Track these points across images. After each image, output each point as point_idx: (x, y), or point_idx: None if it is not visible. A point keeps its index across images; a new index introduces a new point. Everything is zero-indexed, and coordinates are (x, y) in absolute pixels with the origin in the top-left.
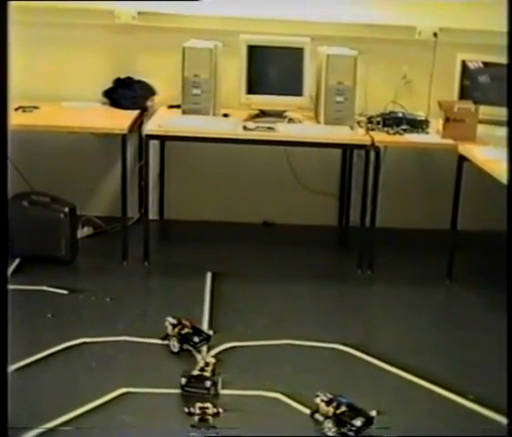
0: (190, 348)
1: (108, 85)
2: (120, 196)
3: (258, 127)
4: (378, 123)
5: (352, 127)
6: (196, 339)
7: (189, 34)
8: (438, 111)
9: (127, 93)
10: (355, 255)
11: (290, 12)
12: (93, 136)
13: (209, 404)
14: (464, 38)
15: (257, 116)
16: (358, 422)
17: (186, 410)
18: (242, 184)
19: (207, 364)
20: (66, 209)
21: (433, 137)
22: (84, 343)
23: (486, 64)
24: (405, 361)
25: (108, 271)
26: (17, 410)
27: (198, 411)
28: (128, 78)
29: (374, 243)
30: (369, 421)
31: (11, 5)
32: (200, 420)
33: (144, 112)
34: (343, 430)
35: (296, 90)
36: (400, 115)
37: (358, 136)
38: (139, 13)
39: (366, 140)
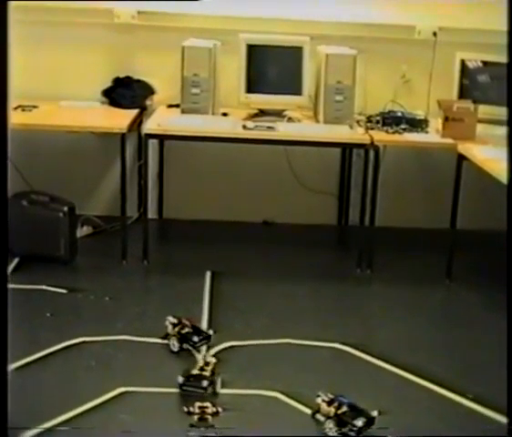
0: (190, 347)
1: (108, 84)
2: (119, 195)
3: (257, 127)
4: (377, 122)
5: (351, 127)
6: (196, 338)
7: (188, 33)
8: (437, 110)
9: (126, 92)
10: (355, 254)
11: (289, 11)
12: (92, 135)
13: (208, 403)
14: (463, 37)
15: (256, 115)
16: (359, 423)
17: (185, 409)
18: (242, 183)
19: (207, 364)
20: (66, 209)
21: (432, 136)
22: (83, 342)
23: (485, 63)
24: (405, 361)
25: (108, 270)
26: (17, 409)
27: (197, 411)
28: (128, 77)
29: (374, 242)
30: (370, 422)
31: (11, 5)
32: (200, 419)
33: (143, 111)
34: (345, 430)
35: (295, 89)
36: (399, 114)
37: (357, 135)
38: (139, 12)
39: (365, 139)
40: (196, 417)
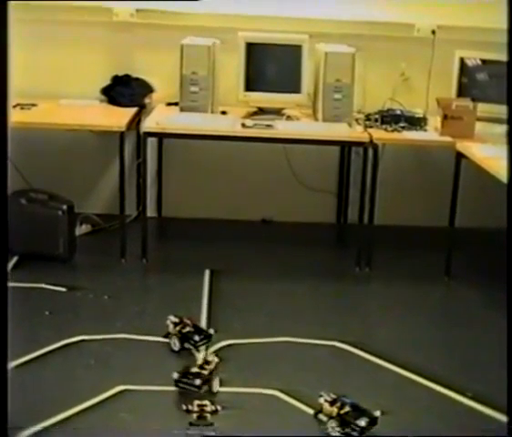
0: (191, 347)
1: (106, 82)
2: (118, 193)
3: (256, 125)
4: (376, 120)
5: (350, 125)
6: (197, 337)
7: (187, 31)
8: (436, 108)
9: (125, 90)
10: (353, 252)
11: (288, 9)
12: (91, 133)
13: (207, 402)
14: (462, 36)
15: (255, 113)
16: (362, 423)
17: (184, 407)
18: (240, 181)
19: (207, 362)
20: (64, 207)
21: (431, 134)
22: (82, 341)
23: (484, 61)
24: (404, 359)
25: (107, 269)
26: (16, 407)
27: (196, 409)
28: (126, 76)
29: (373, 240)
30: (373, 422)
31: (10, 4)
32: (199, 417)
33: (142, 109)
34: (347, 430)
35: (294, 87)
36: (398, 112)
37: (356, 133)
38: (137, 10)
39: (364, 137)
40: (195, 415)
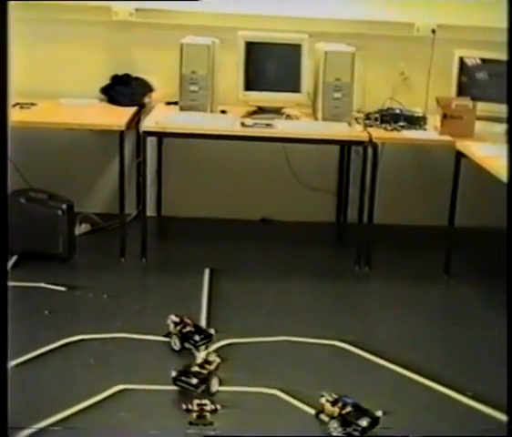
0: (191, 346)
1: (106, 81)
2: (118, 193)
3: (256, 124)
4: (376, 119)
5: (349, 124)
6: (197, 337)
7: (186, 30)
8: (436, 108)
9: (124, 90)
10: (353, 251)
11: (287, 9)
12: (90, 132)
13: (206, 401)
14: (462, 35)
15: (255, 112)
16: (364, 423)
17: (184, 407)
18: (240, 181)
19: (208, 362)
20: (64, 206)
21: (430, 133)
22: (82, 340)
23: (483, 60)
24: (403, 358)
25: (106, 268)
26: (15, 406)
27: (196, 408)
28: (126, 75)
29: (372, 240)
30: (375, 422)
31: (10, 4)
32: (198, 417)
33: (142, 109)
34: (349, 430)
35: (294, 87)
36: (398, 111)
37: (356, 132)
38: (137, 9)
39: (364, 137)
40: (195, 415)
